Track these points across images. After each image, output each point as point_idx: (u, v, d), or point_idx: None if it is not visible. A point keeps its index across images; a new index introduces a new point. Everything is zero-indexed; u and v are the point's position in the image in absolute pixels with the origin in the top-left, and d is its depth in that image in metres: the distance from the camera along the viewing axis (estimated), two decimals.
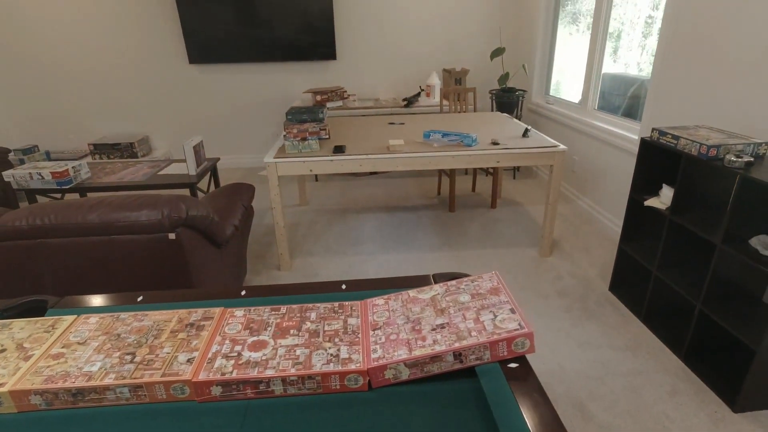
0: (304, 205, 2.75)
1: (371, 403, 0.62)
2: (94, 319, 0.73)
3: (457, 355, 0.63)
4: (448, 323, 0.68)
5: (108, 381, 0.60)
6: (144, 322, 0.73)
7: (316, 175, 3.28)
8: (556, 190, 1.97)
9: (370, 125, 2.40)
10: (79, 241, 1.17)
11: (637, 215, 1.69)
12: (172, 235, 1.15)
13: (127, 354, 0.65)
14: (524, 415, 0.56)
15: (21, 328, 0.71)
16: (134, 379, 0.60)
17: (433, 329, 0.67)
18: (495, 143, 1.96)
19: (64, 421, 0.59)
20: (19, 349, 0.66)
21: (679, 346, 1.51)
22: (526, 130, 2.09)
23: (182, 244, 1.20)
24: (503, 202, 2.76)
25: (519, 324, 0.65)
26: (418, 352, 0.63)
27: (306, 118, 1.99)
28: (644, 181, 1.64)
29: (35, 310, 0.78)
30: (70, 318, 0.73)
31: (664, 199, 1.55)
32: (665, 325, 1.61)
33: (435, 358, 0.63)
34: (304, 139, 1.82)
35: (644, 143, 1.57)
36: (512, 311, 0.68)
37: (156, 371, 0.62)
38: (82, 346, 0.67)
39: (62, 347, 0.66)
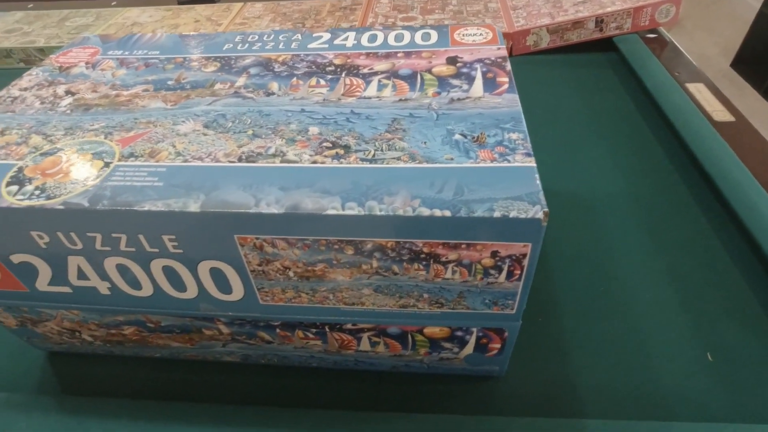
0: None
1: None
2: (259, 4, 0.84)
3: (599, 21, 0.67)
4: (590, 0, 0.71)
5: None
6: (302, 6, 0.82)
7: None
8: None
9: None
10: None
11: None
12: None
13: (298, 23, 0.76)
14: (666, 69, 0.61)
15: (203, 9, 0.83)
16: None
17: (574, 4, 0.71)
18: None
19: None
20: (209, 20, 0.79)
21: None
22: None
23: None
24: None
25: None
26: (560, 19, 0.68)
27: None
28: None
29: (205, 1, 0.89)
30: (240, 3, 0.84)
31: None
32: None
33: (576, 23, 0.67)
34: None
35: None
36: None
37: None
38: (258, 19, 0.78)
39: (243, 19, 0.78)
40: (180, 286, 0.28)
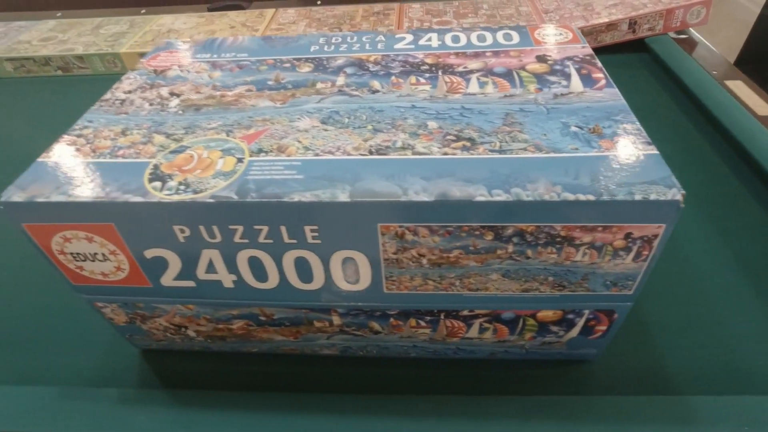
0: None
1: None
2: (291, 10, 0.85)
3: (632, 23, 0.69)
4: (621, 2, 0.73)
5: None
6: (335, 12, 0.83)
7: None
8: None
9: None
10: None
11: None
12: None
13: (335, 28, 0.77)
14: (702, 67, 0.64)
15: (236, 15, 0.84)
16: None
17: (606, 7, 0.73)
18: None
19: None
20: (244, 26, 0.80)
21: None
22: None
23: None
24: None
25: None
26: (594, 22, 0.70)
27: None
28: None
29: (235, 8, 0.91)
30: (272, 10, 0.85)
31: None
32: None
33: (610, 26, 0.70)
34: None
35: None
36: None
37: None
38: (293, 25, 0.79)
39: (278, 25, 0.80)
40: (307, 277, 0.28)
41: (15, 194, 0.26)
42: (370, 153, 0.27)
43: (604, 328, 0.31)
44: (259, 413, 0.32)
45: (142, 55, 0.74)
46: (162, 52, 0.40)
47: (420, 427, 0.31)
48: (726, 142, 0.55)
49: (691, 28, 0.72)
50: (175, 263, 0.28)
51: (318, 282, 0.29)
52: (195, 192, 0.25)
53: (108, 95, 0.34)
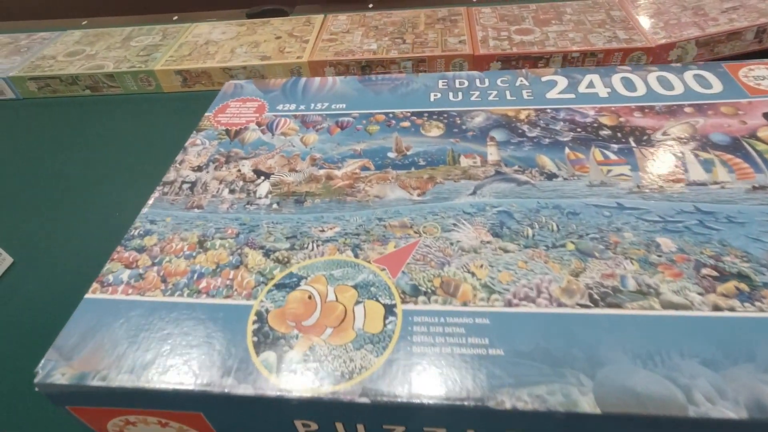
0: None
1: None
2: (342, 17, 0.75)
3: (761, 32, 0.58)
4: (741, 5, 0.62)
5: (392, 55, 0.63)
6: (393, 18, 0.73)
7: None
8: None
9: None
10: None
11: None
12: None
13: (396, 38, 0.67)
14: None
15: (281, 23, 0.75)
16: (416, 53, 0.63)
17: (723, 12, 0.62)
18: None
19: None
20: (292, 36, 0.70)
21: None
22: None
23: None
24: None
25: None
26: (712, 30, 0.59)
27: None
28: None
29: (277, 14, 0.81)
30: (321, 16, 0.75)
31: None
32: None
33: (732, 35, 0.58)
34: None
35: None
36: None
37: (433, 49, 0.64)
38: (347, 33, 0.70)
39: (330, 34, 0.70)
40: None
41: (57, 370, 0.17)
42: (594, 303, 0.18)
43: None
44: None
45: (179, 72, 0.65)
46: (231, 100, 0.31)
47: None
48: None
49: None
50: None
51: None
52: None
53: (172, 174, 0.25)
